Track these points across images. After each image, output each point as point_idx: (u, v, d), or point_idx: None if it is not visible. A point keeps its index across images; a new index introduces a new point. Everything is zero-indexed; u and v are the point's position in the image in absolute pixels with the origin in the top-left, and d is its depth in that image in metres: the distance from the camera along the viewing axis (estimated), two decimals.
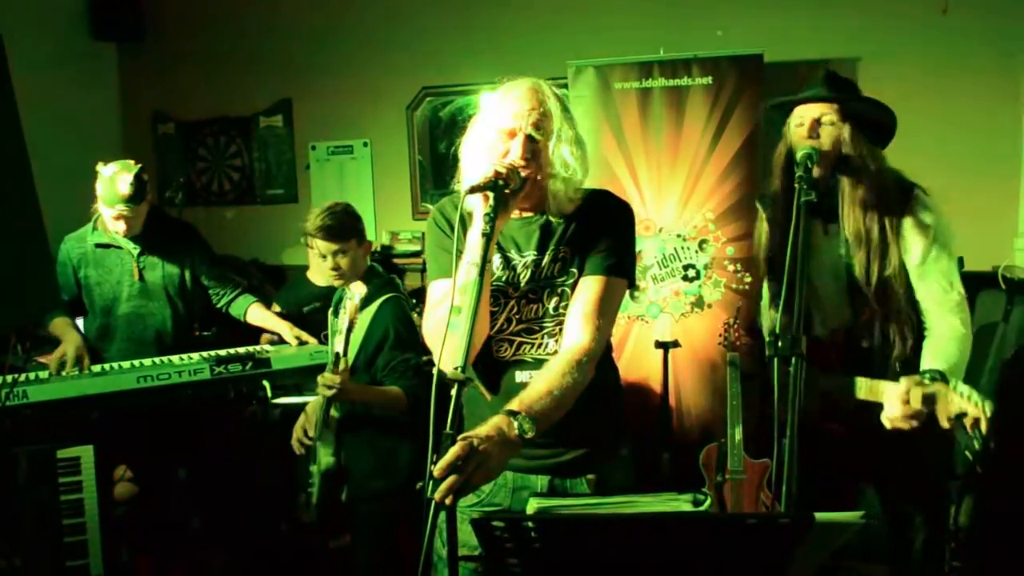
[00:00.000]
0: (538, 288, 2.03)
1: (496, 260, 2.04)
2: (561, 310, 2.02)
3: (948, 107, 4.42)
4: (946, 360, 2.30)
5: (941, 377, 2.23)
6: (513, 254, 2.06)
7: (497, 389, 2.06)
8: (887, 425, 2.22)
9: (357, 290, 2.87)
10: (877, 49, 4.53)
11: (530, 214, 2.07)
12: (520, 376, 2.02)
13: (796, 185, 2.16)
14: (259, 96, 5.80)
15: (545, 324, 2.03)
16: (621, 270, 2.04)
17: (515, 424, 1.72)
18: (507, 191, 1.87)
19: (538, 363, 2.01)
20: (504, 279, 2.05)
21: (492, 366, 2.06)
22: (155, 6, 5.90)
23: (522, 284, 2.03)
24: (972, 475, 3.74)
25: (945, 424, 2.10)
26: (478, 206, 1.87)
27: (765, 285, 2.81)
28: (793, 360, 1.85)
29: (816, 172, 2.36)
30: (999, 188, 4.43)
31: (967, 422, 2.05)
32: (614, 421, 2.16)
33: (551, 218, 2.04)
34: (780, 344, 1.88)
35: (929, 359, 2.33)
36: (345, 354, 2.75)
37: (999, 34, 4.36)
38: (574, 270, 2.01)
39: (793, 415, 1.82)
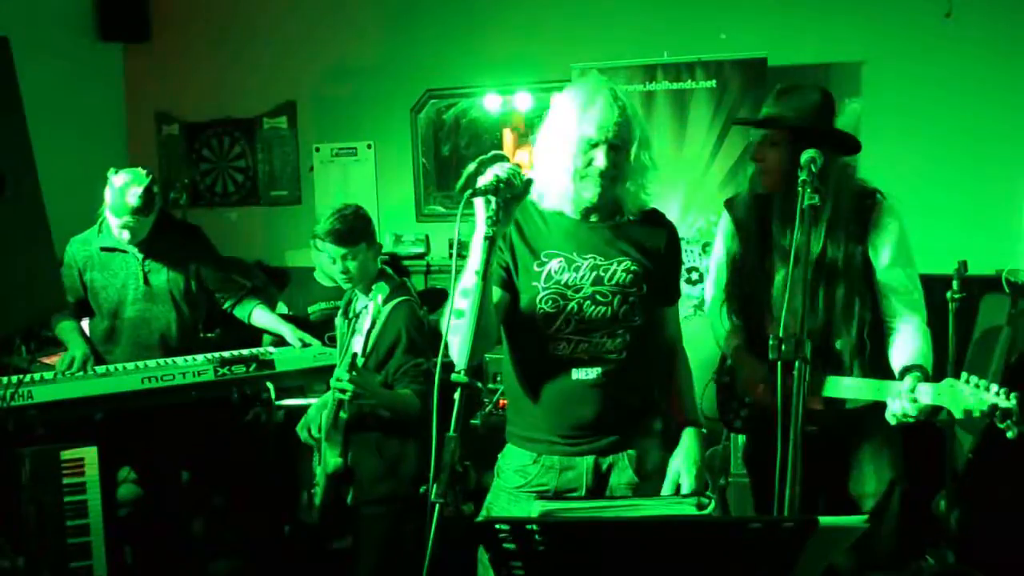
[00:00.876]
0: (608, 293, 2.10)
1: (555, 264, 2.10)
2: (633, 319, 2.13)
3: (951, 110, 4.42)
4: (922, 356, 2.40)
5: (923, 373, 2.32)
6: (575, 256, 2.11)
7: (549, 385, 2.13)
8: (892, 421, 2.29)
9: (380, 291, 2.86)
10: (880, 52, 4.53)
11: (595, 217, 2.15)
12: (577, 374, 2.11)
13: (799, 188, 2.16)
14: (263, 98, 5.81)
15: (610, 327, 2.11)
16: (679, 294, 2.36)
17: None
18: (509, 196, 1.87)
19: (594, 360, 2.11)
20: (565, 281, 2.10)
21: (547, 364, 2.12)
22: (161, 7, 5.91)
23: (586, 286, 2.10)
24: (974, 479, 3.75)
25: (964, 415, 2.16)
26: (481, 210, 1.88)
27: (719, 304, 2.83)
28: (796, 364, 1.85)
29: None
30: (1003, 192, 4.42)
31: (998, 415, 2.10)
32: (649, 403, 2.27)
33: (617, 225, 2.15)
34: (784, 348, 1.88)
35: (904, 356, 2.41)
36: (364, 355, 2.73)
37: (1002, 37, 4.36)
38: (645, 285, 2.13)
39: (796, 420, 1.82)
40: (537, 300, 2.09)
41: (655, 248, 2.18)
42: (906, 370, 2.34)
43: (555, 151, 2.07)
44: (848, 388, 2.43)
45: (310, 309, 4.12)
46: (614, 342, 2.11)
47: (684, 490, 2.09)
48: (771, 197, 2.58)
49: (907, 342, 2.43)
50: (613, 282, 2.11)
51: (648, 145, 2.12)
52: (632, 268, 2.12)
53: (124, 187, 3.42)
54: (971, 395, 2.12)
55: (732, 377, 2.79)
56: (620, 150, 2.05)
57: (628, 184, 2.10)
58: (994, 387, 2.10)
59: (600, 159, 2.03)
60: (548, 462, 2.15)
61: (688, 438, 2.22)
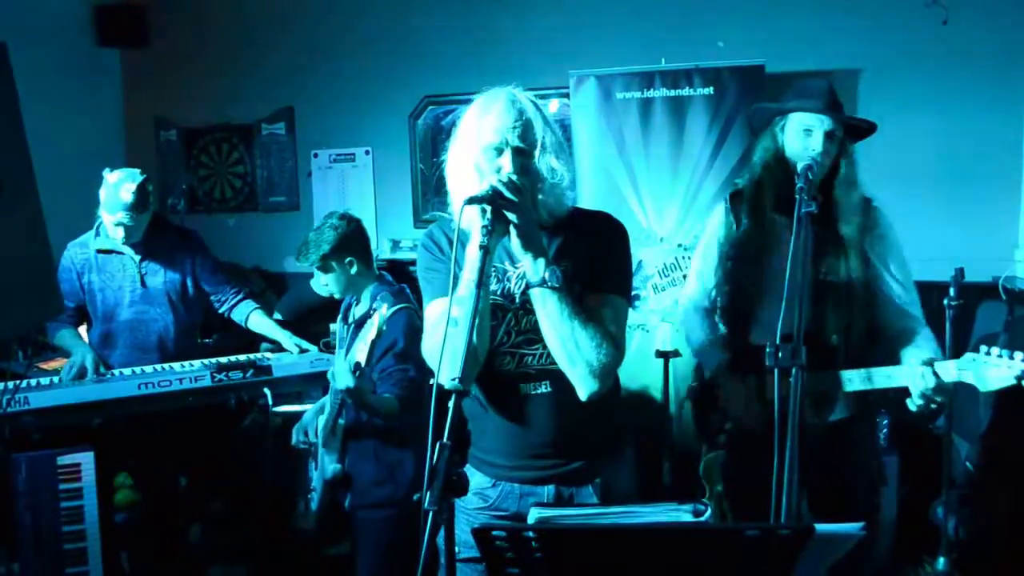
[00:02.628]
0: None
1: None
2: None
3: (948, 118, 4.43)
4: (930, 349, 2.39)
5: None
6: (507, 265, 2.05)
7: (501, 402, 2.06)
8: (912, 407, 2.28)
9: (384, 301, 2.85)
10: (878, 60, 4.54)
11: None
12: (524, 388, 2.03)
13: (797, 196, 2.17)
14: (261, 103, 5.82)
15: None
16: (622, 288, 2.07)
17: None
18: (503, 205, 1.84)
19: (541, 373, 2.02)
20: (499, 292, 2.03)
21: (495, 379, 2.06)
22: (159, 13, 5.92)
23: (518, 295, 2.02)
24: (971, 486, 3.74)
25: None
26: (475, 219, 1.84)
27: (697, 286, 2.78)
28: (793, 371, 1.85)
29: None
30: (1000, 199, 4.43)
31: None
32: (616, 428, 2.17)
33: (544, 229, 2.02)
34: (780, 355, 1.88)
35: (912, 349, 2.40)
36: (366, 365, 2.72)
37: (999, 45, 4.37)
38: (577, 285, 1.98)
39: (794, 425, 1.82)
40: None
41: (587, 246, 2.03)
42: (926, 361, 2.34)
43: (462, 165, 1.98)
44: (858, 379, 2.41)
45: (307, 317, 4.11)
46: None
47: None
48: (775, 194, 2.55)
49: (921, 344, 2.43)
50: None
51: (556, 149, 1.99)
52: (562, 270, 1.94)
53: (118, 184, 3.45)
54: (995, 366, 2.15)
55: (712, 391, 2.71)
56: (526, 154, 1.94)
57: (542, 191, 1.97)
58: (1019, 355, 2.13)
59: (506, 165, 1.92)
60: (508, 486, 2.09)
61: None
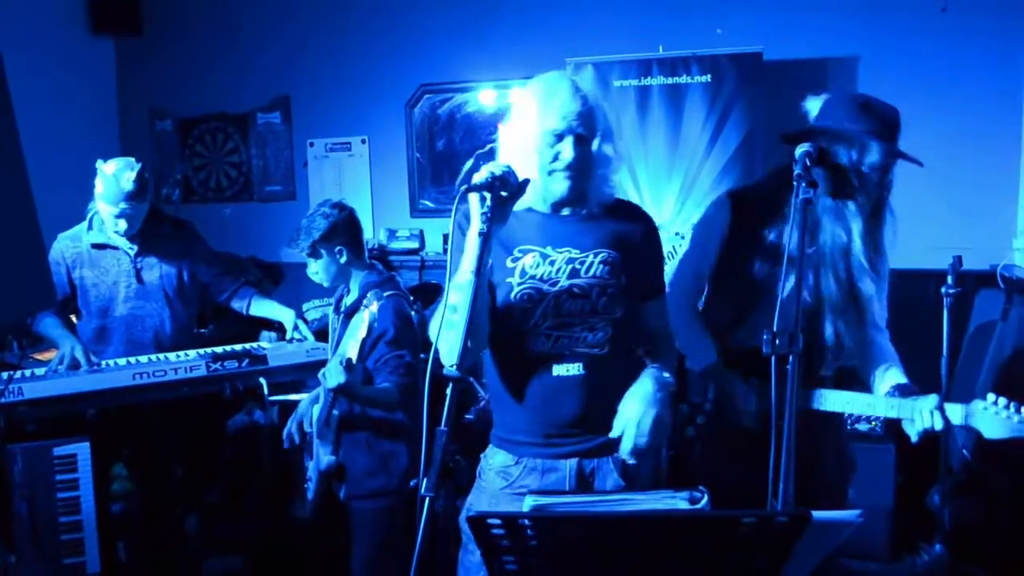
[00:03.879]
0: (586, 286, 2.07)
1: (529, 259, 2.08)
2: (613, 311, 2.08)
3: (947, 106, 4.42)
4: (904, 375, 2.43)
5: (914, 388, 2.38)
6: (550, 250, 2.08)
7: (532, 382, 2.09)
8: (914, 438, 2.30)
9: (376, 297, 2.84)
10: (876, 47, 4.53)
11: (567, 211, 2.11)
12: (558, 369, 2.07)
13: (795, 183, 2.15)
14: (257, 93, 5.79)
15: (589, 320, 2.07)
16: (663, 282, 2.28)
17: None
18: (503, 193, 1.86)
19: (575, 356, 2.06)
20: (540, 275, 2.07)
21: (527, 361, 2.09)
22: (153, 1, 5.89)
23: (562, 279, 2.06)
24: (968, 474, 3.75)
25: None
26: (475, 206, 1.87)
27: (691, 278, 2.66)
28: (790, 358, 1.85)
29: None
30: (998, 187, 4.43)
31: None
32: None
33: (591, 217, 2.10)
34: (778, 342, 1.88)
35: (893, 376, 2.42)
36: (358, 361, 2.71)
37: (998, 33, 4.37)
38: (623, 276, 2.08)
39: (792, 413, 1.82)
40: (512, 296, 2.06)
41: (632, 240, 2.13)
42: (900, 387, 2.37)
43: (520, 148, 2.03)
44: (856, 402, 2.40)
45: (305, 307, 4.10)
46: (595, 336, 2.08)
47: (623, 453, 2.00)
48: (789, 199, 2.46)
49: (888, 360, 2.46)
50: (590, 274, 2.07)
51: (612, 136, 2.08)
52: (609, 259, 2.08)
53: (118, 173, 3.40)
54: (1005, 418, 2.21)
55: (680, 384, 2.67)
56: (586, 141, 2.02)
57: (595, 178, 2.07)
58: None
59: (567, 152, 2.00)
60: (531, 464, 2.12)
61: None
